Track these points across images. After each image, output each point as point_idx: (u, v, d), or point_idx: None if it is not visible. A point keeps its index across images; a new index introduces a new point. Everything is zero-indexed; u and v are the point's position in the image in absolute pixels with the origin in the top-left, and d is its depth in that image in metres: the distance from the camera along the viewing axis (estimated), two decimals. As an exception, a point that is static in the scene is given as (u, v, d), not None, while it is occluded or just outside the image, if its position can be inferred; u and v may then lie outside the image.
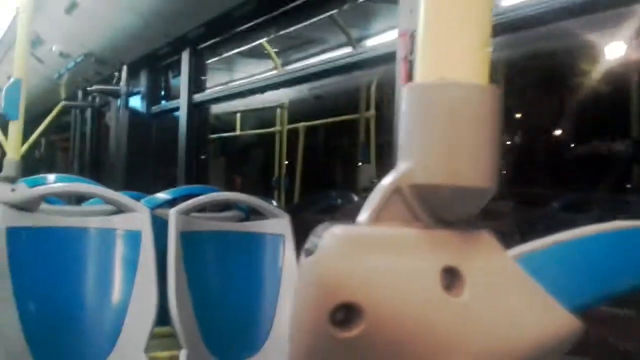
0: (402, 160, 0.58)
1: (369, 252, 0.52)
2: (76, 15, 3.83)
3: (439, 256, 0.55)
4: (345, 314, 0.50)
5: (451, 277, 0.55)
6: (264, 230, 2.46)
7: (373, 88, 5.01)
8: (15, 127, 2.16)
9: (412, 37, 2.25)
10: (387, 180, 0.57)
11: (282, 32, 3.95)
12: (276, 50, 4.94)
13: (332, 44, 4.82)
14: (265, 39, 4.44)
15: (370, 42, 4.48)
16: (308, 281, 0.52)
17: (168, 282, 2.08)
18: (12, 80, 2.14)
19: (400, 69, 2.26)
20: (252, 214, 2.68)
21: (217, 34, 3.73)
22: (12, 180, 2.08)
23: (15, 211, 2.02)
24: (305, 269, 0.52)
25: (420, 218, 0.57)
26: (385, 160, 4.74)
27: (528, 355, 0.58)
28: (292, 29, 3.86)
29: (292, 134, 5.91)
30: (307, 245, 0.53)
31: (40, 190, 2.14)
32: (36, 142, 5.91)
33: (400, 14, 2.32)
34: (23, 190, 2.07)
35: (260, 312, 2.33)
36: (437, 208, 0.57)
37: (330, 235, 0.52)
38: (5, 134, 2.26)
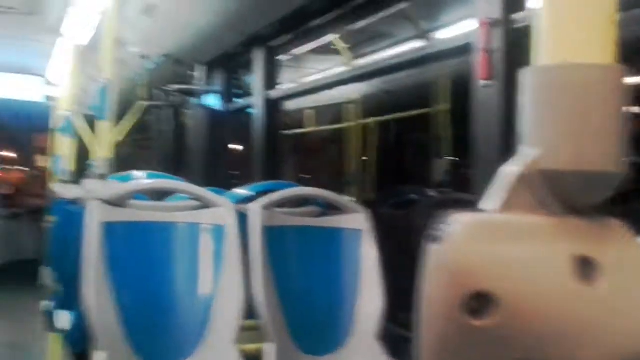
0: (527, 146, 0.57)
1: (500, 240, 0.51)
2: (155, 17, 3.96)
3: (572, 245, 0.53)
4: (479, 302, 0.49)
5: (586, 267, 0.53)
6: (343, 226, 2.47)
7: (446, 81, 4.93)
8: (106, 127, 2.26)
9: (493, 26, 2.19)
10: (513, 167, 0.56)
11: (352, 27, 3.95)
12: (346, 46, 4.94)
13: (402, 37, 4.77)
14: (335, 35, 4.45)
15: (441, 34, 4.40)
16: (438, 269, 0.51)
17: (253, 275, 2.12)
18: (102, 81, 2.24)
19: (479, 60, 2.20)
20: (329, 209, 2.70)
21: (289, 31, 3.77)
22: (104, 177, 2.18)
23: (109, 207, 2.11)
24: (435, 257, 0.51)
25: (548, 205, 0.55)
26: (460, 155, 4.66)
27: (666, 349, 0.55)
28: (362, 23, 3.85)
29: (363, 129, 5.89)
30: (435, 232, 0.52)
31: (131, 186, 2.22)
32: (120, 142, 6.17)
33: (479, 1, 2.26)
34: (115, 186, 2.16)
35: (342, 307, 2.34)
36: (565, 195, 0.56)
37: (459, 223, 0.52)
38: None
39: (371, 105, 5.83)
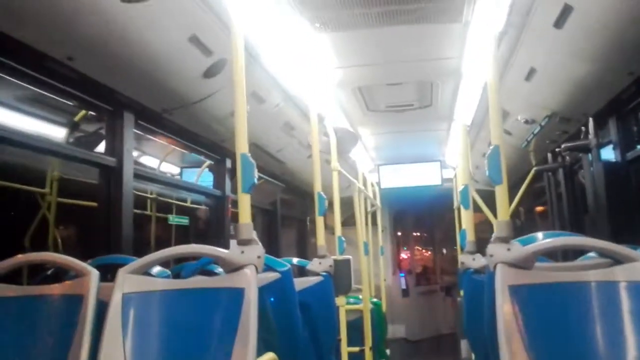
0: None
1: None
2: (535, 80, 3.96)
3: None
4: None
5: None
6: None
7: None
8: (501, 190, 2.30)
9: None
10: None
11: None
12: None
13: None
14: None
15: None
16: None
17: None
18: (491, 147, 2.32)
19: None
20: None
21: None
22: (506, 240, 2.21)
23: (513, 269, 2.12)
24: None
25: None
26: None
27: None
28: None
29: None
30: None
31: (535, 247, 2.19)
32: (515, 210, 6.22)
33: None
34: (518, 248, 2.16)
35: None
36: None
37: None
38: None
39: None
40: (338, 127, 5.18)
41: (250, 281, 2.13)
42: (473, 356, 4.01)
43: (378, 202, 8.31)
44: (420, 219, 12.11)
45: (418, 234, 12.50)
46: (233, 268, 2.21)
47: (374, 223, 8.12)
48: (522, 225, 7.29)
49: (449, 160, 8.35)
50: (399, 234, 11.56)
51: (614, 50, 3.18)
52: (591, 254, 2.48)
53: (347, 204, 6.10)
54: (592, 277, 2.08)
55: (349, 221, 6.71)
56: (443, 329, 10.69)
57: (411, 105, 5.83)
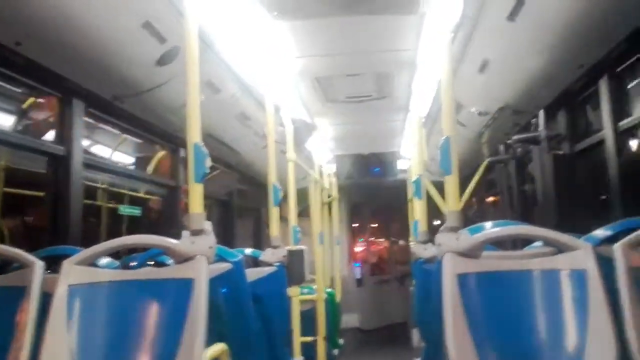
0: None
1: None
2: (489, 72, 4.01)
3: None
4: None
5: None
6: None
7: None
8: (452, 181, 2.34)
9: None
10: None
11: None
12: None
13: None
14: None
15: None
16: None
17: (624, 322, 1.89)
18: (442, 138, 2.35)
19: None
20: None
21: (636, 52, 3.39)
22: (455, 229, 2.24)
23: (463, 258, 2.16)
24: None
25: None
26: None
27: None
28: None
29: None
30: None
31: (483, 236, 2.24)
32: (468, 201, 6.31)
33: None
34: (466, 238, 2.20)
35: None
36: None
37: None
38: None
39: None
40: (294, 117, 5.16)
41: (201, 272, 2.11)
42: (423, 345, 4.07)
43: (335, 192, 8.33)
44: (377, 210, 12.20)
45: (374, 224, 12.58)
46: (183, 259, 2.18)
47: (331, 213, 8.14)
48: (474, 216, 7.42)
49: (404, 152, 8.43)
50: (355, 224, 11.63)
51: (564, 43, 3.24)
52: (537, 243, 2.55)
53: (305, 195, 6.09)
54: (536, 265, 2.13)
55: (306, 212, 6.71)
56: (396, 318, 10.82)
57: (369, 95, 5.85)
